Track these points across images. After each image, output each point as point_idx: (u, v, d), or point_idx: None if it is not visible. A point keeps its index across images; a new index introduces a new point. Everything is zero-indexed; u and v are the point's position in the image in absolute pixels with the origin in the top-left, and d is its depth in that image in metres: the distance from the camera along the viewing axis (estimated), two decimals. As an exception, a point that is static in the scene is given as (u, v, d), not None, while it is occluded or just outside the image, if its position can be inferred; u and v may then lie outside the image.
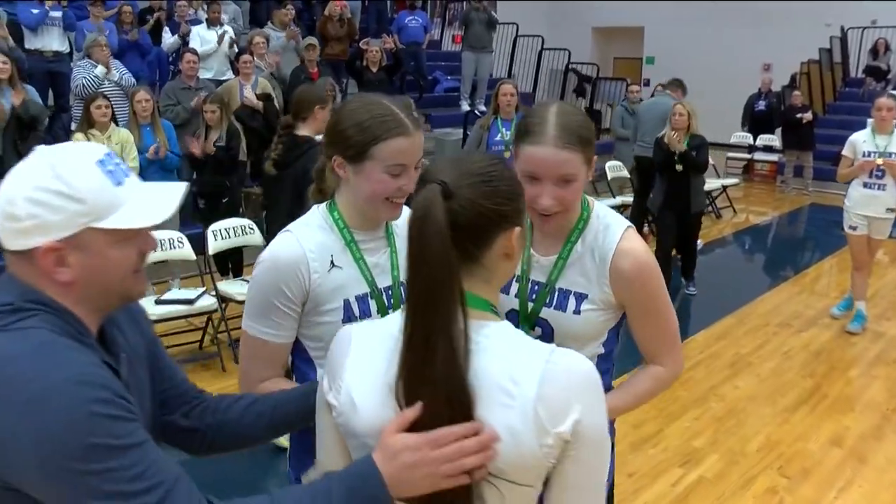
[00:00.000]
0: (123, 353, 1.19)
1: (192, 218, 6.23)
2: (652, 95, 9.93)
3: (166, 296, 4.83)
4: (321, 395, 1.22)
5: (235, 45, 8.13)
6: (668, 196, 6.21)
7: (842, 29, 13.74)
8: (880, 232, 5.55)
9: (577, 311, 1.62)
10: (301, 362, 1.66)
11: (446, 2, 13.72)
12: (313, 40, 8.40)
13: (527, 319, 1.66)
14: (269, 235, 4.38)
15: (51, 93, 7.41)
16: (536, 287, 1.66)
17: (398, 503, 1.10)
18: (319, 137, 3.37)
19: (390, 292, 1.63)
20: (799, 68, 13.34)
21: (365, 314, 1.59)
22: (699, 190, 6.30)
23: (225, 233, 5.13)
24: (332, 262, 1.57)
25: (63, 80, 7.21)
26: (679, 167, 6.00)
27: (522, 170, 1.52)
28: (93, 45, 6.55)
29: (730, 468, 3.77)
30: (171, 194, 1.15)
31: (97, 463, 0.96)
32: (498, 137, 5.73)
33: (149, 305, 4.64)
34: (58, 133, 6.75)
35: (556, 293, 1.64)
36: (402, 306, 1.14)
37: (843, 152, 5.55)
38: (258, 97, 7.08)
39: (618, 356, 1.79)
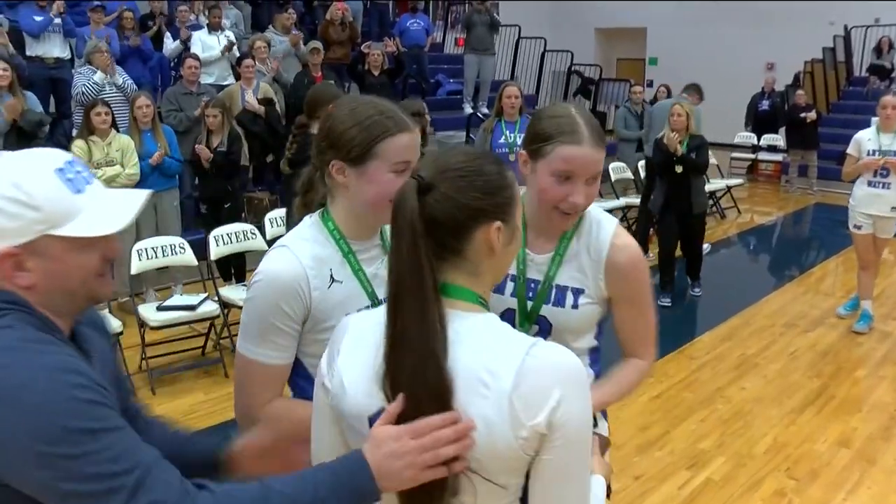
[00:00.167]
0: (95, 354, 1.21)
1: (195, 223, 6.24)
2: (655, 96, 9.91)
3: (168, 302, 4.81)
4: (319, 377, 1.25)
5: (237, 50, 8.12)
6: (669, 197, 6.18)
7: (845, 28, 13.69)
8: (885, 231, 5.51)
9: (575, 306, 1.67)
10: (300, 379, 1.58)
11: (448, 4, 13.71)
12: (318, 44, 8.38)
13: (527, 317, 1.68)
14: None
15: (52, 100, 7.41)
16: (534, 285, 1.69)
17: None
18: None
19: None
20: (802, 67, 13.29)
21: None
22: (700, 191, 6.25)
23: (227, 238, 5.12)
24: (331, 276, 1.50)
25: (64, 87, 7.20)
26: (679, 168, 5.97)
27: (556, 169, 1.57)
28: (94, 52, 6.54)
29: (737, 470, 3.74)
30: (132, 202, 1.17)
31: (77, 446, 0.99)
32: (502, 140, 5.70)
33: (151, 312, 4.63)
34: (59, 140, 6.74)
35: (555, 290, 1.68)
36: None
37: (849, 150, 5.52)
38: (260, 102, 7.08)
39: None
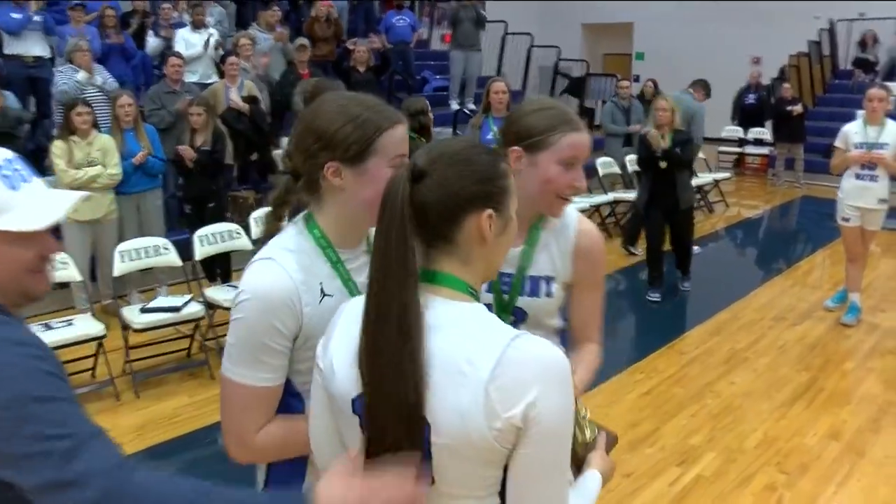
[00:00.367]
0: None
1: (179, 223, 6.18)
2: (641, 91, 9.91)
3: (153, 303, 4.75)
4: (316, 361, 1.26)
5: (221, 48, 8.04)
6: (654, 194, 6.16)
7: (830, 22, 13.73)
8: (873, 223, 5.52)
9: (549, 294, 1.75)
10: (290, 397, 1.47)
11: (434, 1, 13.65)
12: (304, 41, 8.33)
13: (504, 310, 1.72)
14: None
15: (33, 99, 7.31)
16: (507, 279, 1.73)
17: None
18: None
19: None
20: (788, 61, 13.32)
21: None
22: (686, 186, 6.20)
23: (212, 238, 5.07)
24: (322, 290, 1.41)
25: (44, 86, 7.09)
26: (663, 164, 5.94)
27: (565, 157, 1.66)
28: (74, 50, 6.45)
29: (727, 466, 3.72)
30: (65, 200, 1.22)
31: (24, 409, 1.04)
32: (490, 136, 5.65)
33: (134, 314, 4.57)
34: (40, 140, 6.65)
35: (529, 281, 1.73)
36: None
37: (836, 143, 5.53)
38: (244, 99, 7.01)
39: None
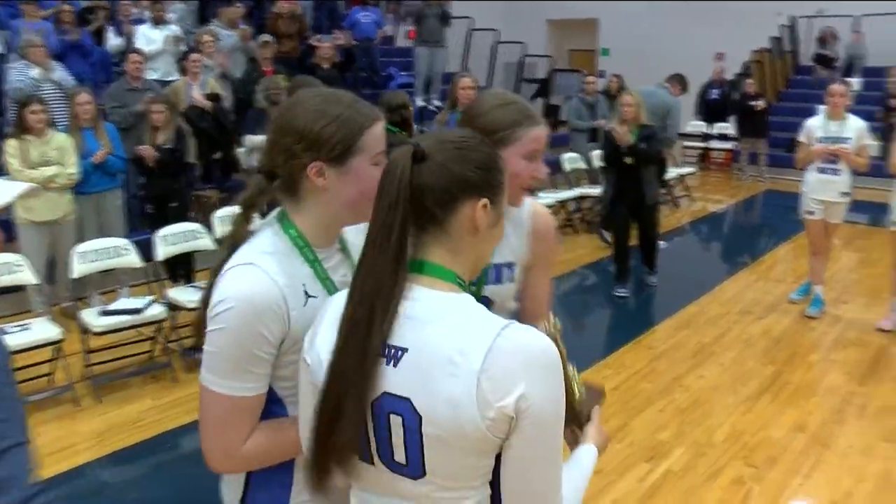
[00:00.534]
0: None
1: (141, 223, 6.05)
2: (606, 87, 9.94)
3: (112, 306, 4.64)
4: (302, 354, 1.26)
5: (184, 45, 7.90)
6: (620, 189, 6.17)
7: (791, 18, 13.92)
8: (835, 216, 5.60)
9: (511, 279, 1.80)
10: (272, 404, 1.43)
11: (399, -4, 13.57)
12: (268, 38, 8.23)
13: None
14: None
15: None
16: None
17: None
18: None
19: None
20: (750, 57, 13.47)
21: None
22: (651, 181, 6.21)
23: (174, 237, 4.98)
24: (305, 292, 1.38)
25: (-4, 83, 6.91)
26: (628, 160, 5.95)
27: (530, 150, 1.69)
28: (27, 46, 6.27)
29: (696, 460, 3.73)
30: (9, 191, 1.24)
31: None
32: (455, 131, 5.64)
33: (93, 317, 4.46)
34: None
35: (493, 270, 1.75)
36: None
37: (800, 138, 5.61)
38: (207, 97, 6.89)
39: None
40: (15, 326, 4.26)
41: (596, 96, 9.19)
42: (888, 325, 5.44)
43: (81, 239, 5.07)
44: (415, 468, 1.14)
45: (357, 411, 1.13)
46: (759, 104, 11.09)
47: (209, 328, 1.34)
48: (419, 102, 10.46)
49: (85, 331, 4.42)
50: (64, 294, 5.39)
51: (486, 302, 1.71)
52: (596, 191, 8.11)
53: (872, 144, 5.89)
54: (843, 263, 7.23)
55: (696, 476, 3.59)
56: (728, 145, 12.51)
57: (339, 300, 1.23)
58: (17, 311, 5.04)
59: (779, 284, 6.59)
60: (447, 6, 10.74)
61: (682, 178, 10.03)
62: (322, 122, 1.36)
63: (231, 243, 1.41)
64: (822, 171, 5.50)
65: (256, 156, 6.91)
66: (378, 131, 1.41)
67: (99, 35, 8.14)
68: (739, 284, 6.65)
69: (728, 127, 12.28)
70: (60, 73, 6.45)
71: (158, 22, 7.84)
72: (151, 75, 7.31)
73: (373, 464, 1.19)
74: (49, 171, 5.12)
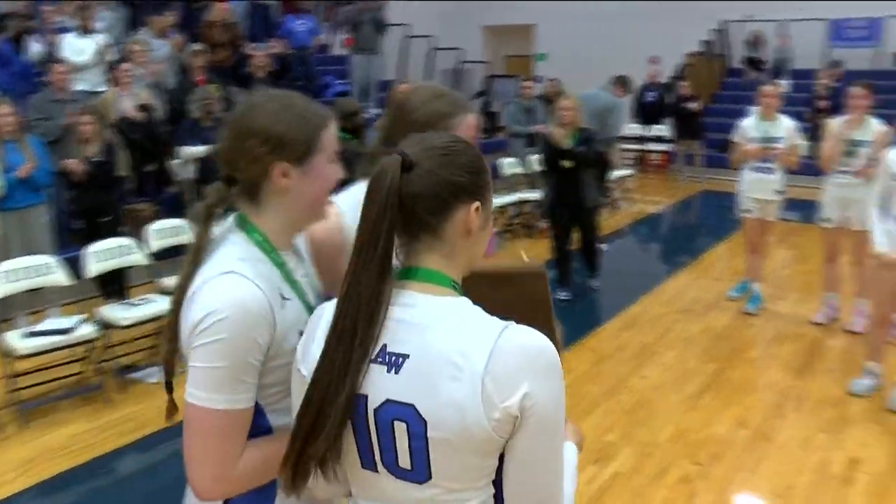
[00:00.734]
0: None
1: (70, 239, 5.82)
2: (544, 92, 10.02)
3: (39, 327, 4.43)
4: (295, 365, 1.26)
5: (113, 54, 7.66)
6: (559, 193, 6.18)
7: (721, 22, 14.27)
8: (770, 213, 5.74)
9: None
10: (256, 415, 1.38)
11: (334, 4, 13.46)
12: (199, 46, 8.04)
13: None
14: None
15: None
16: None
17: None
18: None
19: None
20: (684, 60, 13.76)
21: None
22: (590, 185, 6.23)
23: (106, 253, 4.80)
24: (281, 296, 1.36)
25: None
26: (566, 163, 5.97)
27: (466, 137, 1.69)
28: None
29: (643, 461, 3.75)
30: None
31: None
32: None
33: (17, 340, 4.24)
34: None
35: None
36: None
37: (735, 138, 5.71)
38: (138, 108, 6.69)
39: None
40: (-67, 352, 4.04)
41: (533, 101, 9.24)
42: (821, 319, 5.58)
43: (6, 257, 4.85)
44: (420, 473, 1.14)
45: (338, 418, 1.13)
46: (694, 106, 11.33)
47: (198, 343, 1.28)
48: (357, 110, 10.37)
49: (8, 354, 4.21)
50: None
51: None
52: (535, 195, 8.15)
53: (803, 144, 6.04)
54: (777, 260, 7.41)
55: (643, 476, 3.61)
56: (664, 147, 12.73)
57: (331, 307, 1.22)
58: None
59: (717, 283, 6.71)
60: (383, 13, 10.69)
61: (621, 180, 10.16)
62: (284, 123, 1.37)
63: (195, 255, 1.37)
64: (756, 170, 5.62)
65: (191, 167, 6.75)
66: (333, 130, 1.44)
67: (18, 43, 7.82)
68: (679, 284, 6.75)
69: (664, 129, 12.50)
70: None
71: (86, 30, 7.59)
72: (79, 86, 7.07)
73: (377, 471, 1.19)
74: (-32, 187, 4.88)
